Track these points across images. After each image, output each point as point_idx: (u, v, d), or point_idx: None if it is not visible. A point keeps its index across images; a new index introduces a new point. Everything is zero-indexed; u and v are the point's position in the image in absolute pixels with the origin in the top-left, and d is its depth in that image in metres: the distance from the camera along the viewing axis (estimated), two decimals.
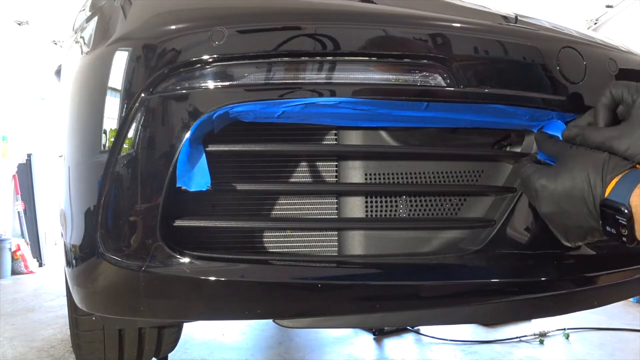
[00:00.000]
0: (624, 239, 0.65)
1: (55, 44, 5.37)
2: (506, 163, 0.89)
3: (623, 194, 0.63)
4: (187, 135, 0.71)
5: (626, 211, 0.62)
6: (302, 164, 0.86)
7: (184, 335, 1.64)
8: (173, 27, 0.74)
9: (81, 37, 0.93)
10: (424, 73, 0.76)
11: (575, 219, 0.71)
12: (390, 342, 2.22)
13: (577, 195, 0.69)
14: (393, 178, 0.86)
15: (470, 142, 0.90)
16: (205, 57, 0.72)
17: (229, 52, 0.72)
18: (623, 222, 0.63)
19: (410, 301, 0.81)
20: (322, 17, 0.77)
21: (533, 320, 2.46)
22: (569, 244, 0.76)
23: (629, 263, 0.92)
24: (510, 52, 0.80)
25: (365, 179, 0.85)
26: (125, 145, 0.74)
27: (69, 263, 0.84)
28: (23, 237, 4.58)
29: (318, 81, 0.73)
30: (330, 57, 0.74)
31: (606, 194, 0.66)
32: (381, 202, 0.86)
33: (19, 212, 4.71)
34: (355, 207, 0.85)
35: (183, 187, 0.73)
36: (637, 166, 0.67)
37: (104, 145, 0.76)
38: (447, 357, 2.03)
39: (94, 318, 1.16)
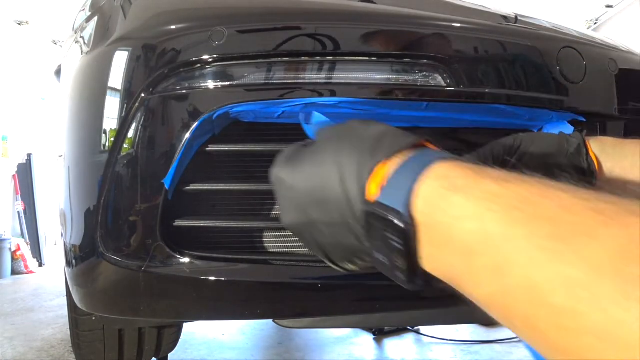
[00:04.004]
0: (399, 274, 0.36)
1: (55, 44, 5.37)
2: None
3: (399, 193, 0.35)
4: (187, 135, 0.71)
5: (401, 225, 0.34)
6: None
7: (184, 335, 1.64)
8: (173, 27, 0.74)
9: (81, 37, 0.93)
10: (424, 73, 0.76)
11: (330, 233, 0.42)
12: (390, 342, 2.22)
13: (326, 195, 0.41)
14: None
15: (470, 142, 0.90)
16: (205, 57, 0.72)
17: (229, 52, 0.72)
18: (398, 246, 0.35)
19: (410, 301, 0.81)
20: (322, 17, 0.77)
21: None
22: (337, 268, 0.47)
23: None
24: (510, 52, 0.80)
25: None
26: (125, 145, 0.74)
27: (69, 263, 0.84)
28: (23, 237, 4.58)
29: (318, 81, 0.73)
30: (330, 57, 0.74)
31: (371, 192, 0.38)
32: None
33: (19, 212, 4.70)
34: None
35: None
36: (427, 144, 0.41)
37: (104, 145, 0.76)
38: (447, 357, 2.03)
39: (94, 318, 1.16)
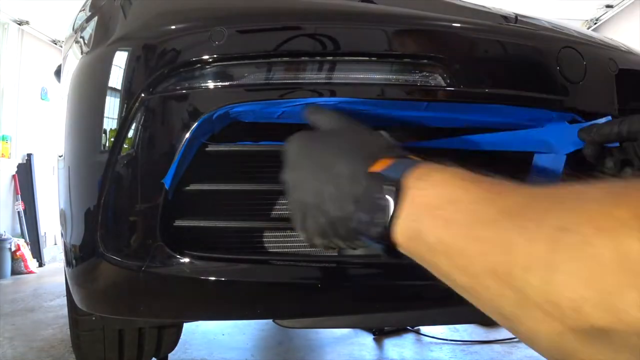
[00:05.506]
0: (374, 229, 0.48)
1: (55, 43, 5.37)
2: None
3: (397, 171, 0.49)
4: (187, 135, 0.71)
5: (394, 187, 0.47)
6: None
7: (184, 335, 1.64)
8: (173, 27, 0.74)
9: (81, 37, 0.93)
10: (424, 73, 0.76)
11: (334, 206, 0.54)
12: (390, 342, 2.22)
13: (336, 172, 0.54)
14: None
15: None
16: (205, 57, 0.72)
17: (229, 52, 0.72)
18: (383, 202, 0.47)
19: (410, 301, 0.81)
20: (322, 17, 0.77)
21: None
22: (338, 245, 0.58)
23: None
24: (510, 52, 0.80)
25: None
26: (125, 145, 0.74)
27: (69, 263, 0.84)
28: (23, 237, 4.58)
29: (318, 81, 0.73)
30: (330, 57, 0.74)
31: (375, 169, 0.51)
32: None
33: (19, 212, 4.70)
34: None
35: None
36: (412, 156, 0.54)
37: (104, 145, 0.76)
38: (447, 357, 2.03)
39: (94, 318, 1.16)
